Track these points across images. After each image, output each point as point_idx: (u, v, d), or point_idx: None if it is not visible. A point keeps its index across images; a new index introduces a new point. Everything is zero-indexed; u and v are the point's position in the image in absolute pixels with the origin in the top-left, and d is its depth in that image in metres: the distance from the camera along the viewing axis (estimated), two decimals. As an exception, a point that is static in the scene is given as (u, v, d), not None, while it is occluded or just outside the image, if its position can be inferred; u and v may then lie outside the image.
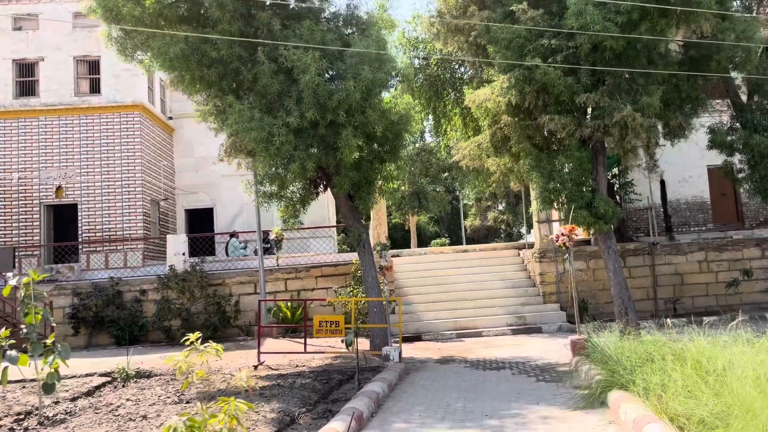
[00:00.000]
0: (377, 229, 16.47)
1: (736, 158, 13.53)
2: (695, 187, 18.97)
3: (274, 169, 11.47)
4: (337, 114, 10.59)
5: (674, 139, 14.07)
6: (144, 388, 9.02)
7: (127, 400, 8.17)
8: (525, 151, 12.68)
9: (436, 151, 31.94)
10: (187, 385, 5.17)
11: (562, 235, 9.93)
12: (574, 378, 8.46)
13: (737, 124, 13.39)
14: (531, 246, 18.30)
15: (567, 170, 12.02)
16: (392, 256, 18.79)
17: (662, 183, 18.57)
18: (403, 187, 30.80)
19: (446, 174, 31.96)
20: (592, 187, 12.36)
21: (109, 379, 10.04)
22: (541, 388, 8.29)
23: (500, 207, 46.68)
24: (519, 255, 18.43)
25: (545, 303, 16.32)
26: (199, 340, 5.11)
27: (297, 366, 10.97)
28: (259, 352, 11.24)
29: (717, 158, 19.15)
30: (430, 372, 10.24)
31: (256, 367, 10.77)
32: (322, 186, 13.03)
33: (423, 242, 38.83)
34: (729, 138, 13.07)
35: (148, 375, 10.26)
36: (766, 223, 18.83)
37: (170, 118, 21.79)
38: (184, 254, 15.88)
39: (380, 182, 13.00)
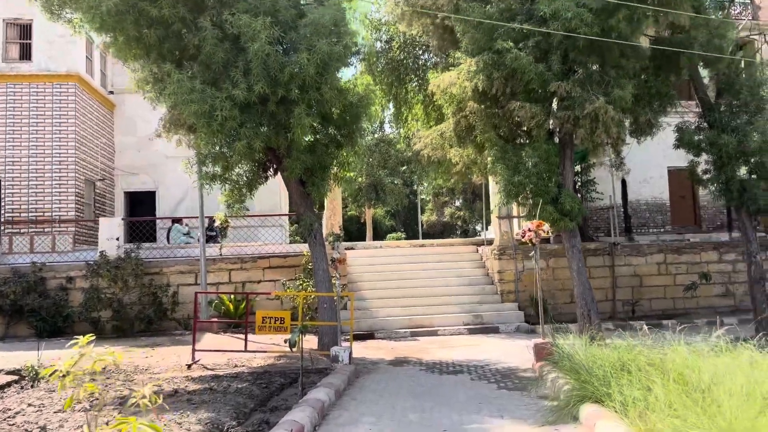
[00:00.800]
0: (331, 220, 15.52)
1: (703, 158, 13.16)
2: (655, 189, 18.72)
3: (217, 147, 10.39)
4: (290, 89, 9.59)
5: (641, 137, 13.61)
6: (54, 390, 7.85)
7: (29, 405, 7.01)
8: (490, 141, 11.95)
9: (396, 143, 31.15)
10: (70, 404, 4.11)
11: (529, 230, 9.22)
12: (540, 386, 7.75)
13: (704, 124, 13.00)
14: (490, 243, 17.69)
15: (533, 163, 11.34)
16: (346, 249, 17.87)
17: (623, 183, 18.24)
18: (360, 179, 29.90)
19: (405, 168, 31.22)
20: (558, 182, 11.72)
21: (17, 377, 8.80)
22: (503, 397, 7.54)
23: (457, 203, 46.33)
24: (477, 251, 17.79)
25: (503, 302, 15.71)
26: (92, 344, 4.04)
27: (236, 366, 9.95)
28: (193, 350, 10.16)
29: (678, 160, 18.99)
30: (382, 375, 9.39)
31: (189, 367, 9.69)
32: (272, 169, 12.00)
33: (379, 236, 38.00)
34: (696, 137, 12.65)
35: (64, 374, 9.05)
36: (723, 227, 18.74)
37: (111, 92, 20.23)
38: (118, 239, 14.56)
39: (335, 169, 12.05)
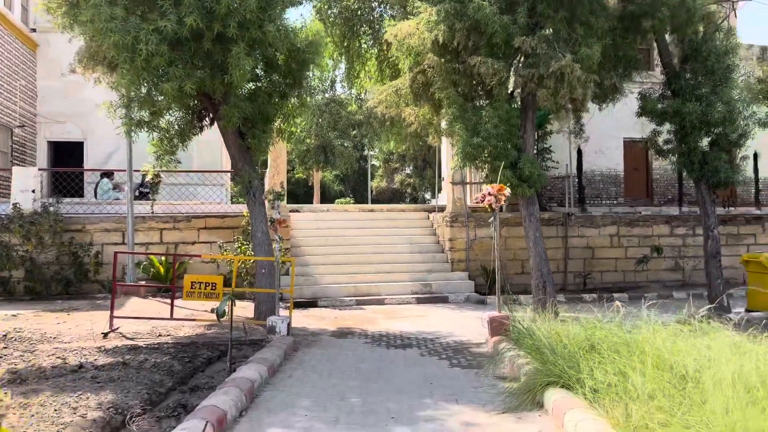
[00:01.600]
0: (275, 179, 14.40)
1: (665, 128, 12.69)
2: (610, 160, 18.37)
3: (143, 89, 9.12)
4: (227, 24, 8.38)
5: (603, 103, 13.04)
6: (-67, 363, 6.65)
7: None
8: (449, 98, 11.06)
9: (347, 104, 29.94)
10: None
11: (489, 194, 8.44)
12: (497, 365, 7.07)
13: (668, 92, 12.48)
14: (441, 210, 16.98)
15: (493, 124, 10.54)
16: (291, 212, 16.81)
17: (579, 152, 17.77)
18: (309, 140, 28.63)
19: (355, 132, 30.12)
20: (518, 146, 11.00)
21: None
22: (457, 377, 6.83)
23: (408, 170, 45.58)
24: (428, 218, 17.07)
25: (453, 271, 15.09)
26: None
27: (159, 336, 8.91)
28: (111, 317, 9.02)
29: (634, 131, 18.70)
30: (324, 349, 8.55)
31: (105, 336, 8.58)
32: (207, 119, 10.79)
33: (327, 200, 36.89)
34: (660, 105, 12.12)
35: (-47, 343, 7.83)
36: (674, 201, 18.62)
37: (33, 30, 18.21)
38: (34, 191, 13.05)
39: (279, 121, 10.94)
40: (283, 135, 11.10)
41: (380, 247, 15.41)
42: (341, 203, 35.25)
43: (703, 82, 12.03)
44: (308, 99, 11.17)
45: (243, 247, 13.35)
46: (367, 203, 34.40)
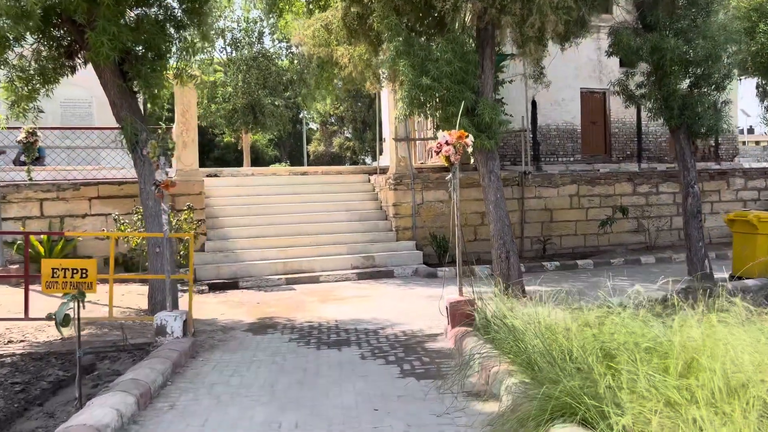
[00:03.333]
0: (184, 137, 11.98)
1: (638, 70, 11.05)
2: (567, 113, 16.73)
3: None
4: None
5: (566, 42, 11.21)
6: None
7: None
8: (391, 30, 8.92)
9: (277, 58, 27.20)
10: None
11: (446, 144, 6.46)
12: (463, 371, 5.18)
13: (640, 27, 10.79)
14: (384, 171, 14.98)
15: (446, 60, 8.53)
16: (208, 176, 14.43)
17: (533, 104, 16.06)
18: (235, 99, 25.84)
19: (288, 92, 27.47)
20: (476, 88, 9.06)
21: None
22: (412, 395, 4.90)
23: (347, 133, 43.28)
24: (369, 181, 15.04)
25: (399, 240, 13.19)
26: None
27: (10, 342, 6.60)
28: (-61, 320, 6.63)
29: (591, 80, 17.12)
30: (232, 353, 6.47)
31: (-74, 348, 6.22)
32: (81, 55, 8.30)
33: (261, 166, 34.24)
34: (635, 41, 10.41)
35: None
36: (633, 157, 17.27)
37: None
38: None
39: (175, 59, 8.57)
40: (181, 77, 8.72)
41: (315, 216, 13.31)
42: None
43: (682, 14, 10.36)
44: (213, 32, 8.80)
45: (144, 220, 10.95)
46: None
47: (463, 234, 13.48)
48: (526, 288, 9.37)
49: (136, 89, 7.91)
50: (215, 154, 36.98)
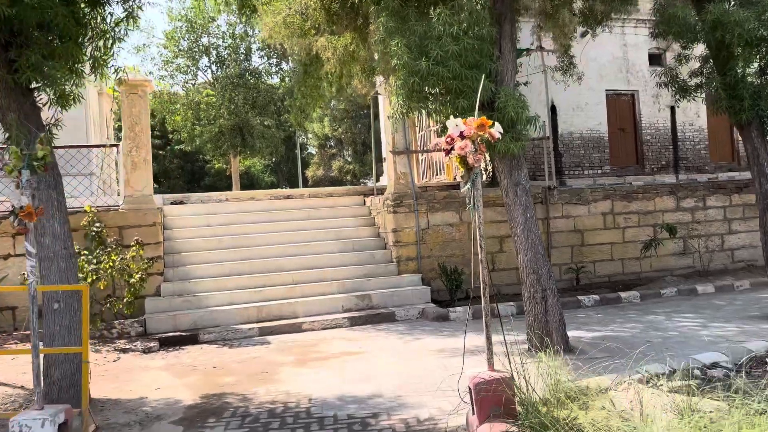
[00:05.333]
0: (133, 156, 9.78)
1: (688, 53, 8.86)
2: (591, 119, 14.50)
3: None
4: None
5: (599, 25, 9.06)
6: None
7: None
8: (379, 1, 6.78)
9: (266, 75, 25.22)
10: None
11: (460, 136, 4.18)
12: None
13: None
14: (382, 191, 12.73)
15: (453, 35, 6.33)
16: (172, 203, 12.23)
17: (553, 109, 13.85)
18: (221, 121, 23.80)
19: (278, 106, 25.37)
20: (494, 72, 6.85)
21: None
22: None
23: (347, 155, 41.21)
24: (365, 204, 12.78)
25: (400, 273, 10.87)
26: None
27: None
28: None
29: (617, 81, 14.94)
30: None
31: None
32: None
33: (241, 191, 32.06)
34: (690, 15, 8.20)
35: None
36: (668, 167, 14.99)
37: None
38: None
39: (91, 44, 6.38)
40: (100, 70, 6.50)
41: (298, 247, 11.02)
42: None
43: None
44: (140, 8, 6.62)
45: (81, 261, 8.69)
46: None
47: (471, 263, 11.19)
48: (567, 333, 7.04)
49: (25, 82, 5.70)
50: (206, 181, 34.89)
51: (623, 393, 4.36)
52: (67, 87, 6.31)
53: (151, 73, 24.23)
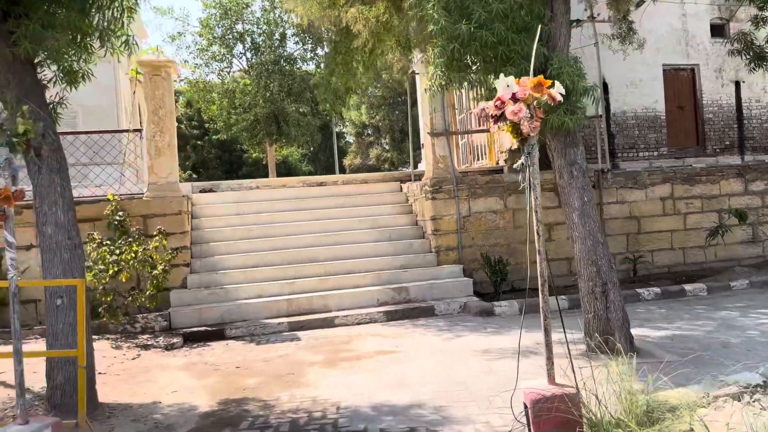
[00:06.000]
0: (157, 141, 9.29)
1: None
2: (646, 96, 13.35)
3: None
4: None
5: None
6: None
7: None
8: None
9: (300, 58, 24.65)
10: None
11: (513, 99, 3.42)
12: None
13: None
14: (420, 177, 11.98)
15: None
16: (201, 191, 11.76)
17: (605, 86, 12.78)
18: (256, 109, 23.37)
19: (313, 93, 24.77)
20: (546, 36, 6.02)
21: None
22: None
23: (384, 143, 40.47)
24: (402, 191, 12.06)
25: (440, 264, 10.13)
26: None
27: None
28: None
29: (675, 54, 13.76)
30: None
31: None
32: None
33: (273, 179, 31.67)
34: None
35: None
36: (733, 148, 13.74)
37: None
38: None
39: (100, 14, 5.81)
40: (106, 40, 5.92)
41: (330, 237, 10.40)
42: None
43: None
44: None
45: (103, 251, 8.26)
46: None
47: (514, 253, 10.33)
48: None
49: (24, 55, 5.16)
50: (244, 171, 34.72)
51: (716, 412, 3.54)
52: (75, 63, 5.79)
53: (186, 61, 23.96)
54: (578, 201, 6.18)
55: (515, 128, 3.49)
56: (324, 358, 6.77)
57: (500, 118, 3.52)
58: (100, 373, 6.31)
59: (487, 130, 12.53)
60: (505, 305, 8.83)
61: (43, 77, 5.65)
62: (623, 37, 8.84)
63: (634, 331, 6.57)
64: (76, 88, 5.99)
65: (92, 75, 6.08)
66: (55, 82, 5.74)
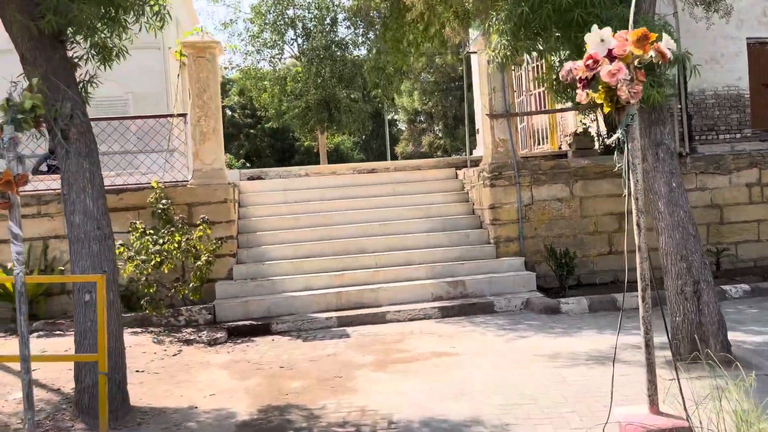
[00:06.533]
0: (202, 125, 8.91)
1: None
2: (728, 73, 12.12)
3: None
4: None
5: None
6: None
7: None
8: None
9: (352, 43, 24.11)
10: None
11: (609, 57, 2.72)
12: None
13: None
14: (476, 163, 11.24)
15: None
16: (249, 179, 11.40)
17: (682, 62, 11.63)
18: (308, 96, 23.01)
19: (364, 79, 24.18)
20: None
21: None
22: None
23: (437, 130, 39.59)
24: (458, 177, 11.35)
25: (499, 257, 9.41)
26: None
27: None
28: None
29: (761, 28, 12.43)
30: None
31: None
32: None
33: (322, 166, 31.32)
34: None
35: None
36: (827, 130, 12.36)
37: None
38: None
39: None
40: (140, 14, 5.44)
41: (382, 226, 9.83)
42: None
43: None
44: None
45: (146, 241, 7.94)
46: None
47: (583, 244, 9.50)
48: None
49: (47, 29, 4.75)
50: (296, 159, 34.60)
51: None
52: (107, 39, 5.37)
53: (237, 48, 23.79)
54: (665, 187, 5.37)
55: (610, 94, 2.79)
56: (374, 359, 6.21)
57: (590, 83, 2.82)
58: (138, 371, 5.96)
59: (551, 111, 11.67)
60: (573, 302, 8.05)
61: (73, 55, 5.26)
62: (708, 4, 7.80)
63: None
64: (110, 66, 5.57)
65: (127, 52, 5.63)
66: (86, 60, 5.34)
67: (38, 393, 5.05)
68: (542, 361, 5.72)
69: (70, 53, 5.20)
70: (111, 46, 5.46)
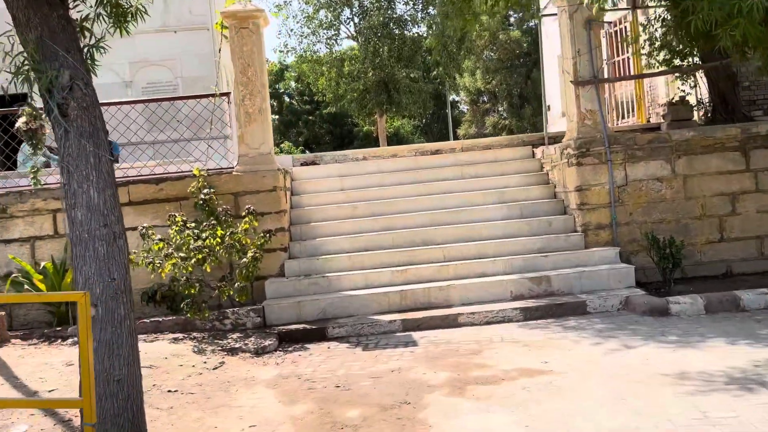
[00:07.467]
0: (246, 105, 7.98)
1: None
2: None
3: None
4: None
5: None
6: None
7: None
8: None
9: (411, 20, 22.85)
10: None
11: None
12: None
13: None
14: (555, 140, 9.85)
15: None
16: (302, 165, 10.46)
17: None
18: (366, 78, 21.97)
19: (424, 57, 22.93)
20: None
21: None
22: None
23: (501, 110, 37.77)
24: (534, 157, 10.01)
25: (588, 247, 8.08)
26: None
27: None
28: None
29: None
30: None
31: None
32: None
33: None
34: None
35: None
36: None
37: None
38: None
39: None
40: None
41: (450, 214, 8.66)
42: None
43: None
44: None
45: (187, 235, 7.10)
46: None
47: (688, 230, 8.01)
48: None
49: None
50: (355, 145, 33.74)
51: None
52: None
53: (292, 30, 23.02)
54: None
55: None
56: (448, 377, 5.10)
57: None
58: (170, 391, 5.07)
59: (648, 75, 10.18)
60: (686, 301, 6.67)
61: (78, 14, 4.35)
62: None
63: None
64: (126, 30, 4.65)
65: (146, 13, 4.70)
66: (93, 22, 4.42)
67: (44, 424, 4.21)
68: (667, 385, 4.44)
69: (72, 13, 4.29)
70: (126, 6, 4.54)
